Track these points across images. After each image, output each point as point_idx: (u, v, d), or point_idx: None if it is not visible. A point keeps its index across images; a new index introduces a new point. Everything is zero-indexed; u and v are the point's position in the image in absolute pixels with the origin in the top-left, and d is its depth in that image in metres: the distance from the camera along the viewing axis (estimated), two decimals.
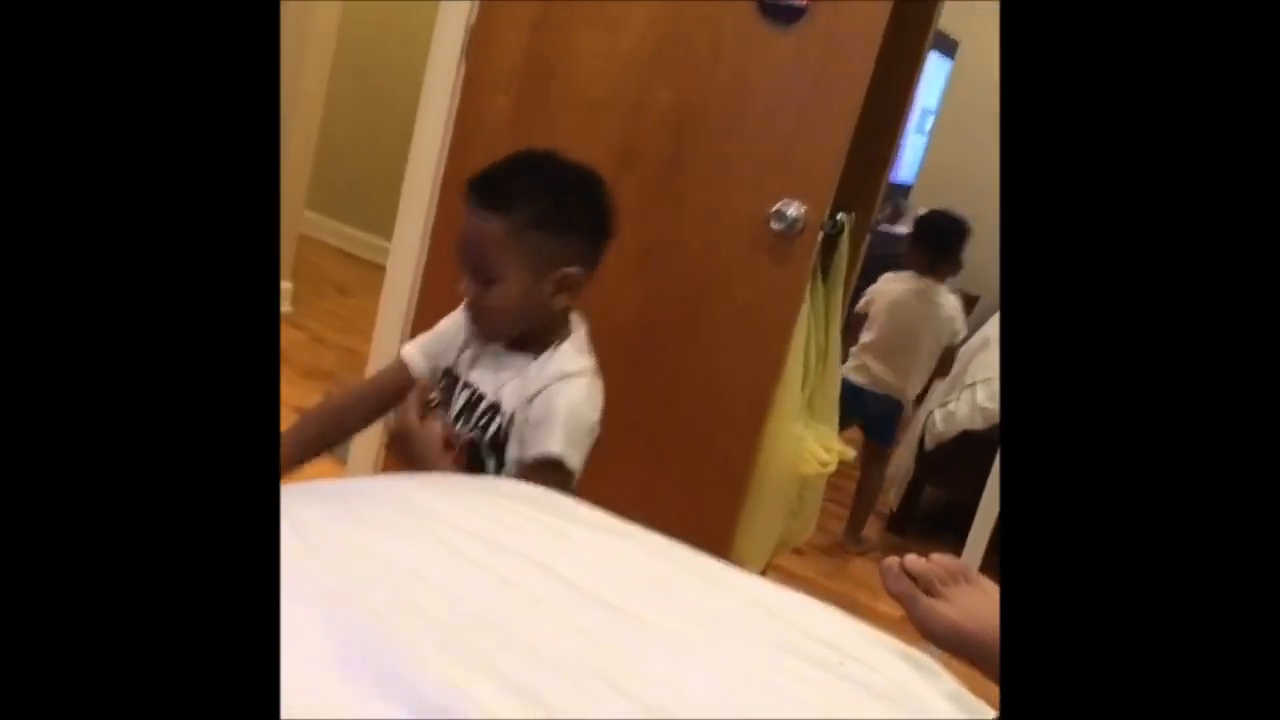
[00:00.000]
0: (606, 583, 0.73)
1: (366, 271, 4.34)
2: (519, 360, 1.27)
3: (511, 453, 1.24)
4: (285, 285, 3.51)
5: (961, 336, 2.89)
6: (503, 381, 1.26)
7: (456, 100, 2.07)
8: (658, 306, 1.85)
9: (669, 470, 1.87)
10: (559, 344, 1.27)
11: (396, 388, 1.35)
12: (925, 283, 2.82)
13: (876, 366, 2.80)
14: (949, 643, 0.98)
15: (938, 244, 2.87)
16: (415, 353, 1.38)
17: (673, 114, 1.80)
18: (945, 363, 2.90)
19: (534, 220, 1.19)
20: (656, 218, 1.83)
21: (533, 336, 1.27)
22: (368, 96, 4.31)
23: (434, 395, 1.30)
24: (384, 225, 2.77)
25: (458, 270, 1.23)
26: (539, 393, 1.23)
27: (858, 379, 2.80)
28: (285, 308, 3.50)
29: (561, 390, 1.24)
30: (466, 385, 1.30)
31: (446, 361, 1.34)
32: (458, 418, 1.29)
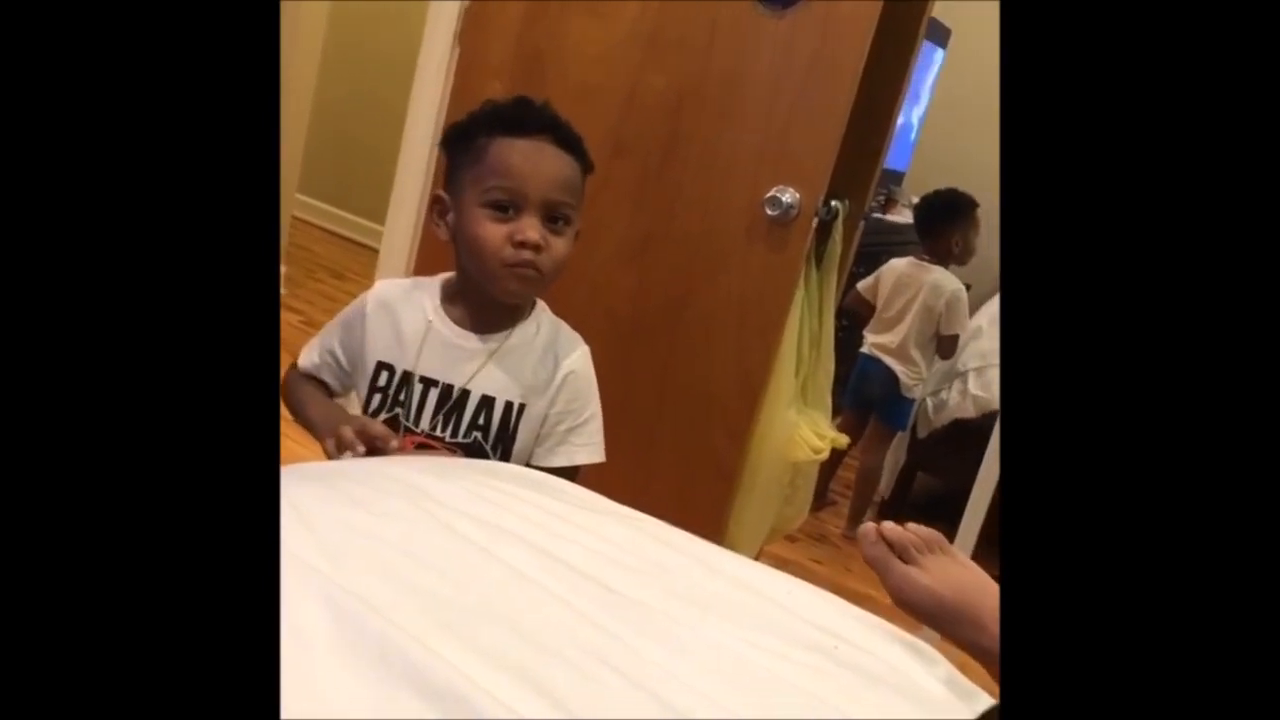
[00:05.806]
0: (601, 564, 0.73)
1: (359, 255, 4.34)
2: (493, 343, 1.13)
3: (524, 440, 1.14)
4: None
5: (955, 324, 2.83)
6: (502, 370, 1.13)
7: (449, 84, 2.06)
8: (651, 293, 1.85)
9: (662, 457, 1.87)
10: (544, 317, 1.18)
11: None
12: (923, 264, 2.84)
13: (878, 340, 2.82)
14: (922, 609, 0.96)
15: (925, 225, 2.87)
16: (323, 364, 1.20)
17: (666, 100, 1.80)
18: (945, 348, 2.89)
19: (586, 170, 1.15)
20: (650, 205, 1.83)
21: (518, 306, 1.16)
22: (360, 80, 4.29)
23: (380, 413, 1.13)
24: (376, 209, 2.76)
25: (525, 209, 1.07)
26: (566, 378, 1.15)
27: (868, 353, 2.85)
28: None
29: (585, 375, 1.17)
30: (430, 383, 1.13)
31: (378, 358, 1.15)
32: (435, 421, 1.13)
